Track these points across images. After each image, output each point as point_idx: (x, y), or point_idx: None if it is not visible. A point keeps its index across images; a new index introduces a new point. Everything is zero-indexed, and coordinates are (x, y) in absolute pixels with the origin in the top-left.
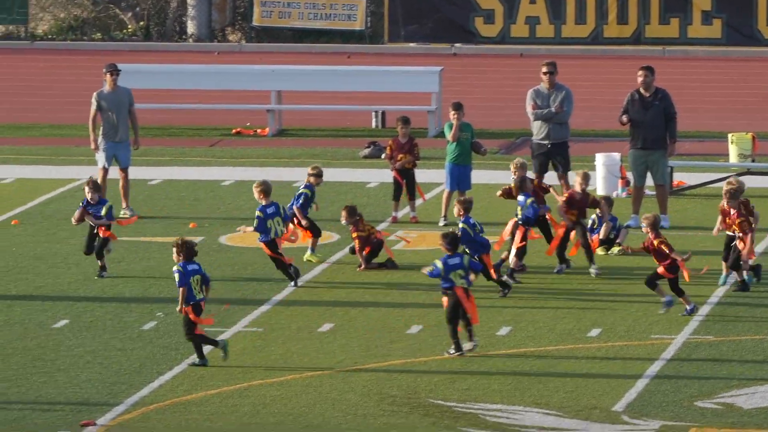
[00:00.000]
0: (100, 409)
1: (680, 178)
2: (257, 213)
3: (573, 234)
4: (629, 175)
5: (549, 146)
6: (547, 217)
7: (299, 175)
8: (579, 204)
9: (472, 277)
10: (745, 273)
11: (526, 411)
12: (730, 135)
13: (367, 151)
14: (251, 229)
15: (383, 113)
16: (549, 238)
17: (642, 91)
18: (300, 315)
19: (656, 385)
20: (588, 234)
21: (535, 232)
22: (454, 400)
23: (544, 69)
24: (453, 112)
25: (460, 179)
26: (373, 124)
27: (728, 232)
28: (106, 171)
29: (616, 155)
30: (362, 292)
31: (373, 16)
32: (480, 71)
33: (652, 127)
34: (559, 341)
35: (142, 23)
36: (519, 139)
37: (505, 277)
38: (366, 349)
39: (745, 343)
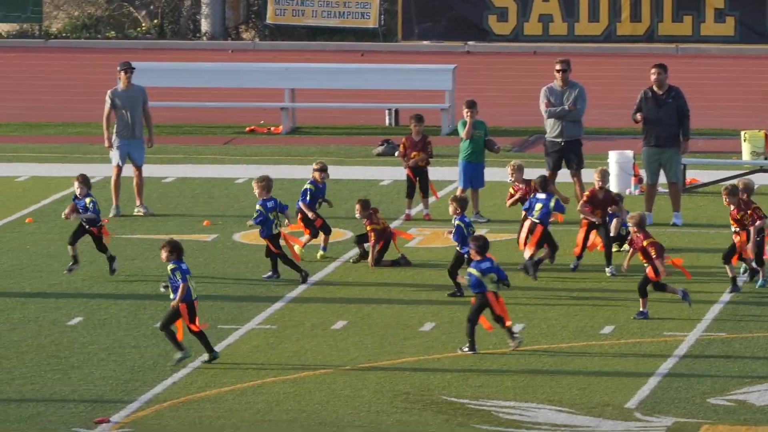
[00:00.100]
0: (114, 406)
1: (693, 175)
2: (258, 207)
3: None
4: (642, 173)
5: (562, 144)
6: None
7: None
8: (602, 203)
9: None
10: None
11: (539, 408)
12: (742, 132)
13: (380, 148)
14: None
15: (396, 111)
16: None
17: (655, 88)
18: (313, 312)
19: (669, 382)
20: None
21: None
22: (468, 397)
23: (558, 67)
24: (466, 110)
25: (473, 177)
26: (387, 122)
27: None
28: (120, 169)
29: (629, 153)
30: (375, 290)
31: (387, 14)
32: (493, 69)
33: (666, 125)
34: (572, 338)
35: (156, 21)
36: (532, 137)
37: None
38: (379, 346)
39: (757, 340)
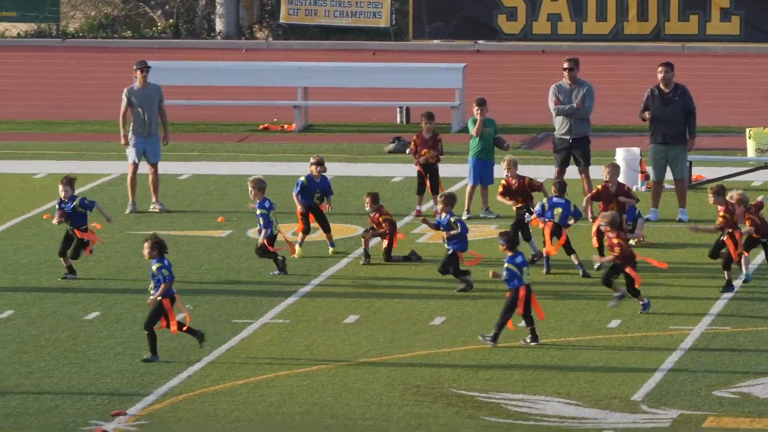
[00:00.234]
0: (131, 399)
1: (699, 172)
2: (260, 211)
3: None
4: (649, 170)
5: (570, 141)
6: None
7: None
8: (614, 196)
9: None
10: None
11: (547, 400)
12: (748, 130)
13: (391, 146)
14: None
15: (408, 109)
16: (527, 236)
17: (662, 87)
18: (326, 307)
19: (674, 374)
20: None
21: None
22: (477, 389)
23: (566, 65)
24: (476, 108)
25: (483, 173)
26: (398, 120)
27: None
28: (136, 166)
29: (636, 150)
30: (387, 285)
31: (398, 13)
32: (503, 68)
33: (672, 123)
34: (580, 332)
35: (171, 21)
36: (541, 134)
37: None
38: (390, 340)
39: (761, 334)
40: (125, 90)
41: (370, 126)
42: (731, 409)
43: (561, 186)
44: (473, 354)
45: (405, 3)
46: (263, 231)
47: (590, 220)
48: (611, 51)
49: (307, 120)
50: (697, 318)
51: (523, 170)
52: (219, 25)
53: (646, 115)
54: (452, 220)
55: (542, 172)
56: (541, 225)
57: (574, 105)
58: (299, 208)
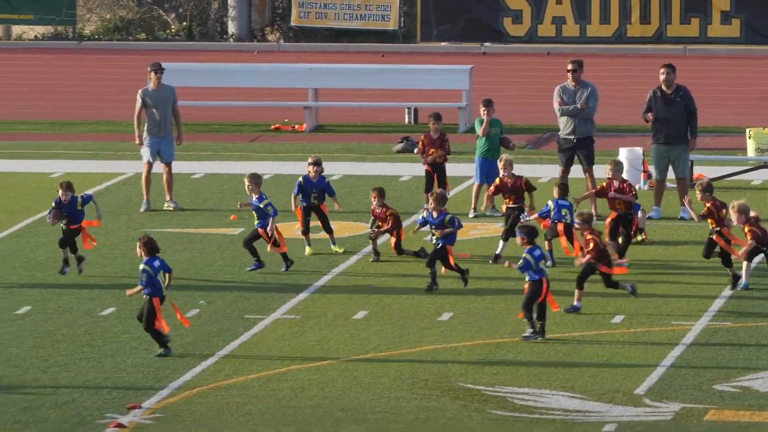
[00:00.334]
0: (146, 393)
1: (700, 171)
2: (262, 204)
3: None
4: (651, 169)
5: (575, 141)
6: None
7: (335, 169)
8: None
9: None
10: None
11: (552, 394)
12: (748, 130)
13: (400, 145)
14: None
15: (416, 110)
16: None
17: (664, 88)
18: (336, 303)
19: (676, 369)
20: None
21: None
22: (484, 383)
23: (570, 67)
24: (483, 109)
25: (489, 172)
26: (406, 120)
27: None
28: (150, 165)
29: (639, 149)
30: (395, 281)
31: (406, 16)
32: (508, 69)
33: (674, 123)
34: (584, 328)
35: (184, 24)
36: (546, 134)
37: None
38: (399, 335)
39: (761, 329)
40: (140, 91)
41: (378, 126)
42: (732, 403)
43: (565, 188)
44: (480, 349)
45: (413, 6)
46: (271, 221)
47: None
48: (614, 53)
49: (318, 120)
50: (698, 313)
51: (529, 169)
52: (231, 27)
53: (650, 116)
54: (447, 219)
55: (547, 171)
56: (554, 225)
57: (578, 106)
58: (294, 207)
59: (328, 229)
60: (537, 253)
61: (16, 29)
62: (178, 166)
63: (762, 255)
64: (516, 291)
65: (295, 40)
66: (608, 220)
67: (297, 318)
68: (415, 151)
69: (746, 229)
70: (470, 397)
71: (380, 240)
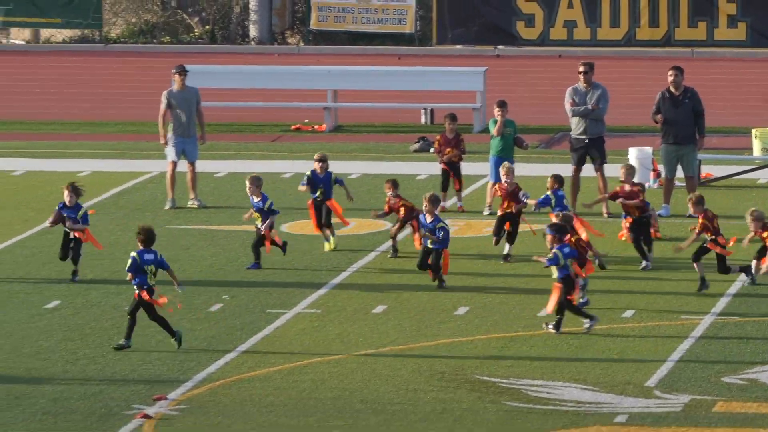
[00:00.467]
0: (171, 385)
1: (708, 170)
2: (266, 205)
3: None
4: (660, 168)
5: (586, 141)
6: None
7: (354, 168)
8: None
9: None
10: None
11: (565, 386)
12: (753, 130)
13: (416, 145)
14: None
15: (432, 110)
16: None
17: (672, 89)
18: (355, 298)
19: (686, 362)
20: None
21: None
22: (499, 376)
23: (581, 68)
24: (497, 109)
25: None
26: (423, 121)
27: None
28: (175, 164)
29: (648, 149)
30: (413, 277)
31: (422, 20)
32: (521, 71)
33: (683, 124)
34: None
35: (207, 27)
36: (558, 135)
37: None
38: (417, 329)
39: None
40: (164, 92)
41: (396, 126)
42: (740, 395)
43: (560, 179)
44: (495, 342)
45: (429, 10)
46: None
47: (605, 216)
48: (624, 56)
49: (337, 121)
50: (707, 308)
51: (542, 168)
52: (253, 31)
53: (659, 117)
54: (437, 226)
55: (560, 170)
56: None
57: (589, 106)
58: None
59: (328, 224)
60: (566, 250)
61: (45, 32)
62: (201, 165)
63: None
64: (529, 288)
65: (315, 43)
66: (624, 223)
67: (318, 312)
68: (431, 150)
69: (765, 235)
70: (485, 389)
71: (400, 236)
